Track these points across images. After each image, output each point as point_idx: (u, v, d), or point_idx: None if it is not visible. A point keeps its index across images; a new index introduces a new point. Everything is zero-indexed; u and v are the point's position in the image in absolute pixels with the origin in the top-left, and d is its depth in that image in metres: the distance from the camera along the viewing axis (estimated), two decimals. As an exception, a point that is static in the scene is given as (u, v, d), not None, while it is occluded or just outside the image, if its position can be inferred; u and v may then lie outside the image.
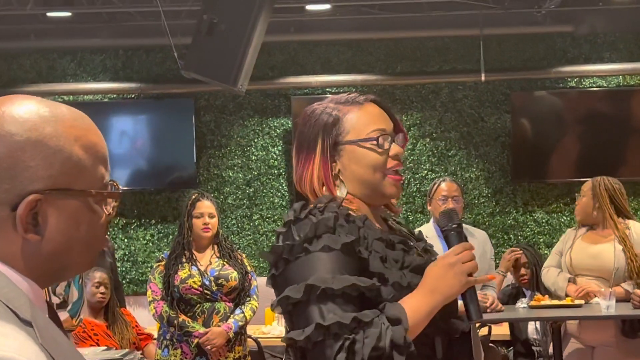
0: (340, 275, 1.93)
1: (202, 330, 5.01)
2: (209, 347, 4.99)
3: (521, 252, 6.47)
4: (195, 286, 5.05)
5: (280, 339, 6.52)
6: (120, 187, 1.41)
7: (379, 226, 2.14)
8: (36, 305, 1.23)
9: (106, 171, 1.34)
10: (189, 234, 5.18)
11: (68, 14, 8.02)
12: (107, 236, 1.38)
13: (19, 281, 1.23)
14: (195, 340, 5.00)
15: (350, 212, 2.05)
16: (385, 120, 2.17)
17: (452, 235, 2.11)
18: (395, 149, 2.15)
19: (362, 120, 2.14)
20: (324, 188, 2.12)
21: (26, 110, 1.28)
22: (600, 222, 5.23)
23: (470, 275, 2.03)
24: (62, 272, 1.31)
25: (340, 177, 2.12)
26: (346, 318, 1.88)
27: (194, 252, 5.19)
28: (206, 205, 5.21)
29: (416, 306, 1.95)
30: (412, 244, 2.15)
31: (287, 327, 2.06)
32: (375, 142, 2.12)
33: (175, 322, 5.01)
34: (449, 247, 2.09)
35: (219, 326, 5.04)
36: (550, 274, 5.38)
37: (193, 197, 5.26)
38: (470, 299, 2.06)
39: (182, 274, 5.08)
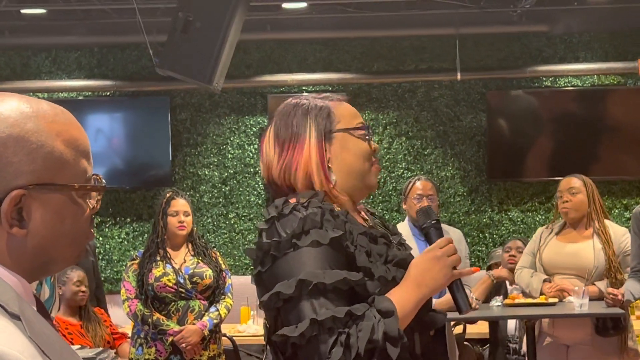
0: (329, 269, 1.93)
1: (176, 328, 5.00)
2: (183, 345, 4.97)
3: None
4: (170, 284, 5.04)
5: (255, 337, 6.51)
6: (104, 180, 1.42)
7: (360, 220, 2.15)
8: (24, 299, 1.24)
9: (89, 165, 1.37)
10: (163, 232, 5.16)
11: (43, 11, 7.97)
12: (92, 230, 1.38)
13: (6, 276, 1.25)
14: (170, 339, 4.98)
15: (333, 206, 2.05)
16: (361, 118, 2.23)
17: (432, 231, 2.14)
18: (374, 145, 2.19)
19: (347, 112, 2.19)
20: (318, 176, 2.10)
21: (7, 107, 1.29)
22: (586, 220, 5.23)
23: (454, 268, 2.05)
24: (49, 266, 1.32)
25: (330, 166, 2.12)
26: (340, 312, 1.88)
27: (169, 250, 5.18)
28: (181, 204, 5.20)
29: (404, 299, 1.96)
30: (391, 237, 2.16)
31: (267, 324, 2.05)
32: (364, 132, 2.16)
33: (150, 320, 5.00)
34: (430, 243, 2.11)
35: (193, 324, 5.03)
36: (523, 275, 5.39)
37: (168, 195, 5.25)
38: (457, 291, 2.09)
39: (156, 272, 5.06)
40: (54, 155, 1.29)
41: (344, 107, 2.19)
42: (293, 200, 2.06)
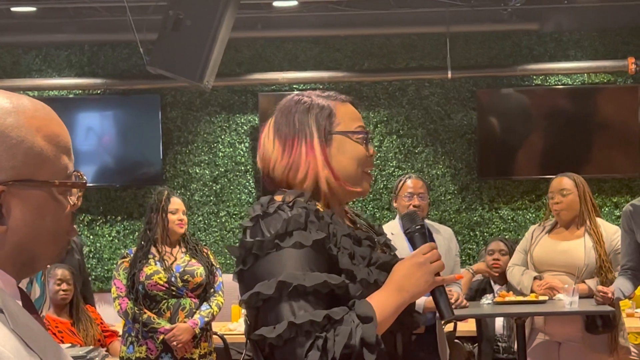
0: (310, 272, 1.93)
1: (167, 326, 5.00)
2: (174, 343, 4.97)
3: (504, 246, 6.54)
4: (161, 282, 5.04)
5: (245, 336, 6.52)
6: (85, 177, 1.41)
7: (345, 222, 2.15)
8: (7, 292, 1.23)
9: (70, 161, 1.35)
10: (163, 229, 5.15)
11: (33, 8, 7.95)
12: (74, 226, 1.37)
13: None
14: (161, 337, 4.98)
15: (318, 207, 2.05)
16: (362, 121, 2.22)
17: (417, 236, 2.13)
18: (371, 149, 2.18)
19: (349, 114, 2.17)
20: (322, 173, 2.09)
21: None
22: (578, 219, 5.24)
23: (437, 274, 2.05)
24: (31, 263, 1.31)
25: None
26: (318, 316, 1.88)
27: (162, 247, 5.16)
28: (178, 202, 5.24)
29: (384, 304, 1.95)
30: (376, 239, 2.16)
31: (248, 321, 2.05)
32: (362, 137, 2.15)
33: (141, 318, 4.99)
34: (414, 247, 2.11)
35: (184, 322, 5.03)
36: (515, 273, 5.40)
37: (166, 193, 5.25)
38: (440, 298, 2.08)
39: (147, 270, 5.06)
40: (34, 150, 1.28)
41: (345, 109, 2.18)
42: (279, 198, 2.05)
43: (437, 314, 2.16)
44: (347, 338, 1.86)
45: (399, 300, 1.98)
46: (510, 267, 5.51)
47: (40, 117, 1.33)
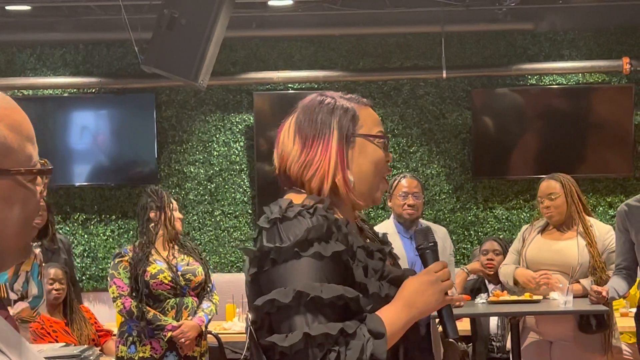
0: (327, 283, 1.92)
1: (175, 323, 5.01)
2: (182, 340, 4.98)
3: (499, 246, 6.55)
4: (166, 281, 5.05)
5: (240, 335, 6.51)
6: (50, 164, 1.39)
7: (358, 230, 2.14)
8: None
9: (34, 150, 1.33)
10: (166, 227, 5.16)
11: (27, 7, 7.94)
12: (40, 219, 1.34)
13: None
14: (168, 334, 4.98)
15: (336, 216, 2.03)
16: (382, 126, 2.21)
17: (429, 253, 2.14)
18: (389, 155, 2.18)
19: (371, 118, 2.17)
20: (334, 176, 2.07)
21: None
22: (569, 220, 5.25)
23: (446, 293, 2.06)
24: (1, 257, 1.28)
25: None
26: (333, 329, 1.88)
27: (161, 246, 5.17)
28: (174, 203, 5.28)
29: (393, 319, 1.96)
30: (386, 250, 2.15)
31: (251, 320, 2.03)
32: (383, 142, 2.15)
33: (146, 317, 4.99)
34: (425, 265, 2.11)
35: (189, 320, 5.06)
36: (503, 269, 5.42)
37: (163, 192, 5.29)
38: (447, 317, 2.10)
39: (151, 269, 5.06)
40: None
41: (368, 112, 2.17)
42: (297, 200, 2.03)
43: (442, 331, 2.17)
44: (359, 353, 1.87)
45: (409, 316, 1.99)
46: (502, 266, 5.53)
47: (2, 106, 1.31)
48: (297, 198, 2.06)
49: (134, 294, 5.05)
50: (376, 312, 1.96)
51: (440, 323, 2.12)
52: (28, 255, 1.40)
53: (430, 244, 2.15)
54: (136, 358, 5.06)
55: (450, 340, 6.59)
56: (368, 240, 2.15)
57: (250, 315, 2.05)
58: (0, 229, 1.26)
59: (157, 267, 5.08)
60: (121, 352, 5.13)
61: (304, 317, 1.89)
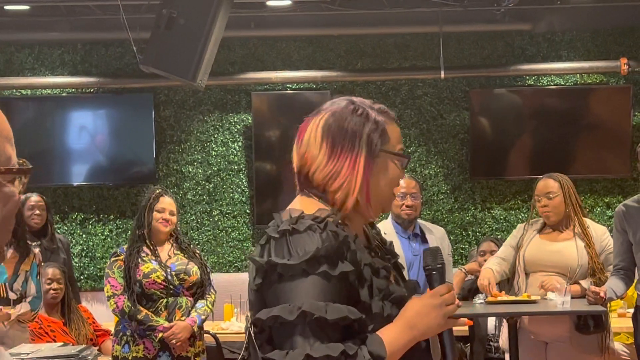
0: (332, 303, 1.91)
1: (166, 324, 5.00)
2: (173, 341, 4.97)
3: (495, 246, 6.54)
4: (159, 280, 5.04)
5: (238, 335, 6.51)
6: (29, 164, 1.39)
7: (365, 243, 2.13)
8: None
9: (12, 150, 1.32)
10: (148, 227, 5.15)
11: (26, 7, 7.94)
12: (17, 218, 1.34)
13: None
14: (160, 335, 4.97)
15: (346, 232, 2.01)
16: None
17: (435, 275, 2.13)
18: (404, 172, 2.17)
19: (395, 135, 2.14)
20: (359, 193, 2.05)
21: None
22: (566, 220, 5.24)
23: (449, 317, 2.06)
24: None
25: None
26: (335, 350, 1.87)
27: (153, 246, 5.16)
28: (168, 202, 5.22)
29: (394, 339, 1.96)
30: (390, 265, 2.15)
31: (250, 320, 2.03)
32: (403, 161, 2.14)
33: (138, 316, 4.99)
34: (431, 286, 2.11)
35: (182, 321, 5.04)
36: (486, 264, 5.42)
37: (157, 191, 5.25)
38: (447, 340, 2.11)
39: (144, 268, 5.05)
40: None
41: (394, 128, 2.14)
42: (309, 209, 2.02)
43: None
44: None
45: (409, 337, 1.99)
46: (490, 259, 5.52)
47: None
48: (308, 206, 2.05)
49: (129, 293, 5.05)
50: (377, 332, 1.96)
51: (440, 345, 2.12)
52: (3, 258, 1.39)
53: (438, 266, 2.13)
54: (130, 358, 5.05)
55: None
56: (373, 254, 2.13)
57: (250, 316, 2.04)
58: None
59: (151, 266, 5.07)
60: (116, 351, 5.13)
61: (306, 336, 1.89)
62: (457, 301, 2.10)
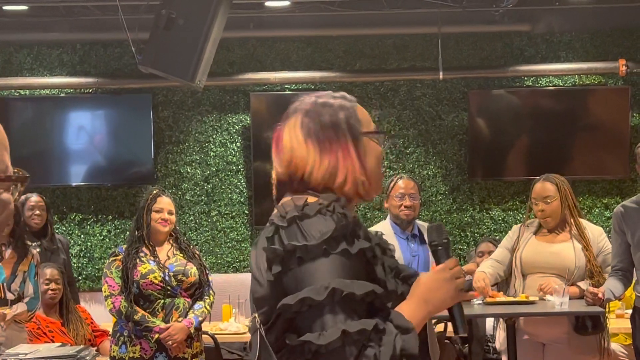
0: (356, 280, 1.92)
1: (162, 325, 4.99)
2: (170, 342, 4.97)
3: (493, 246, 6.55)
4: (156, 281, 5.03)
5: (236, 335, 6.51)
6: (26, 172, 1.40)
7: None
8: None
9: (8, 158, 1.34)
10: (147, 227, 5.14)
11: (25, 7, 7.94)
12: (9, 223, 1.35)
13: None
14: (156, 336, 4.97)
15: (355, 214, 2.04)
16: None
17: (441, 250, 2.14)
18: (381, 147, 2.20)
19: (365, 115, 2.17)
20: (362, 178, 2.08)
21: None
22: (563, 222, 5.23)
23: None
24: None
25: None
26: (368, 325, 1.88)
27: (152, 246, 5.16)
28: (166, 202, 5.21)
29: (411, 315, 1.97)
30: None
31: (259, 321, 2.00)
32: (380, 137, 2.16)
33: (135, 317, 4.98)
34: (438, 261, 2.12)
35: (179, 322, 5.03)
36: (480, 267, 5.42)
37: (154, 192, 5.24)
38: (457, 313, 2.11)
39: (141, 269, 5.04)
40: None
41: (361, 110, 2.17)
42: (311, 200, 2.02)
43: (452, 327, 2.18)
44: (392, 349, 1.87)
45: (425, 312, 2.00)
46: (484, 262, 5.52)
47: None
48: (302, 199, 2.04)
49: (126, 293, 5.04)
50: (395, 309, 1.97)
51: (450, 319, 2.13)
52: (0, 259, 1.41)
53: (444, 241, 2.15)
54: (126, 358, 5.05)
55: (446, 341, 6.61)
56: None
57: (259, 317, 2.02)
58: None
59: (148, 266, 5.06)
60: (113, 351, 5.13)
61: (337, 314, 1.88)
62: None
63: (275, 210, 2.06)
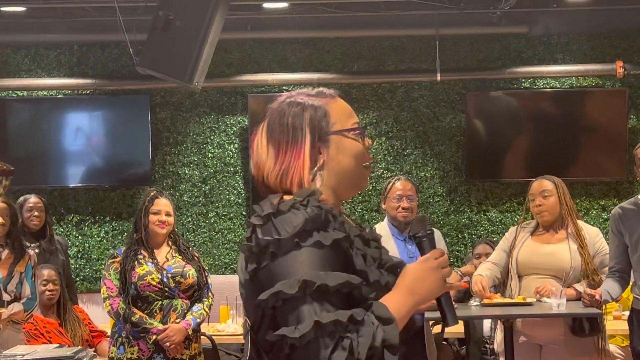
0: (331, 272, 1.90)
1: (160, 326, 4.98)
2: (167, 344, 4.96)
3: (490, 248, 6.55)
4: (154, 283, 5.02)
5: (234, 336, 6.51)
6: (10, 167, 1.42)
7: (349, 221, 2.14)
8: None
9: None
10: (145, 229, 5.14)
11: (22, 8, 7.94)
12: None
13: None
14: (153, 337, 4.96)
15: (330, 207, 2.01)
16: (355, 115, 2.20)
17: (425, 241, 2.12)
18: (367, 141, 2.16)
19: (342, 111, 2.15)
20: (307, 180, 2.07)
21: None
22: (560, 221, 5.24)
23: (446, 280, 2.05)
24: None
25: (323, 169, 2.09)
26: (343, 316, 1.85)
27: (150, 248, 5.15)
28: (164, 203, 5.19)
29: (397, 306, 1.94)
30: (379, 239, 2.15)
31: (249, 322, 2.02)
32: (358, 133, 2.13)
33: (132, 318, 4.98)
34: (422, 252, 2.10)
35: (176, 323, 5.02)
36: (477, 270, 5.41)
37: (152, 193, 5.23)
38: (446, 304, 2.08)
39: (139, 270, 5.04)
40: None
41: (339, 106, 2.15)
42: (287, 197, 2.01)
43: (424, 313, 2.15)
44: (371, 340, 1.85)
45: (412, 303, 1.97)
46: (481, 265, 5.52)
47: None
48: (278, 197, 2.04)
49: (124, 295, 5.04)
50: (379, 300, 1.95)
51: (439, 310, 2.11)
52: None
53: (427, 232, 2.13)
54: (124, 359, 5.05)
55: (444, 342, 6.61)
56: (360, 229, 2.13)
57: (249, 319, 2.02)
58: None
59: (146, 268, 5.06)
60: (111, 352, 5.13)
61: (312, 306, 1.86)
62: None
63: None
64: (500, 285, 5.46)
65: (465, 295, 6.44)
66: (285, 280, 1.89)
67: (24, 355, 4.58)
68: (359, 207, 8.41)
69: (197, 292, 5.17)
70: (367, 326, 1.87)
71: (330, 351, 1.83)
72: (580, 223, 5.27)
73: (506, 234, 5.49)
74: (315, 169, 2.07)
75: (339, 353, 1.83)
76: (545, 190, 5.20)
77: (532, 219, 5.36)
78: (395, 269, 2.05)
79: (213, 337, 6.27)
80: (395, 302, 1.95)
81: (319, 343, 1.84)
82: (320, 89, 2.19)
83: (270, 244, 1.93)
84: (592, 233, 5.23)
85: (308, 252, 1.92)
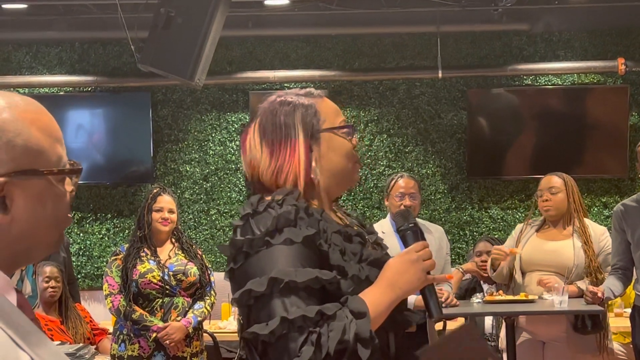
0: (302, 268, 1.93)
1: (160, 324, 4.99)
2: (167, 341, 4.96)
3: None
4: (155, 280, 5.03)
5: (236, 334, 6.50)
6: (80, 164, 1.45)
7: (335, 219, 2.15)
8: (3, 291, 1.27)
9: (63, 150, 1.40)
10: (147, 227, 5.14)
11: (24, 5, 7.93)
12: (69, 215, 1.42)
13: None
14: (154, 335, 4.97)
15: (307, 204, 2.05)
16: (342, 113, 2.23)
17: (409, 234, 2.14)
18: (355, 140, 2.20)
19: (331, 110, 2.19)
20: (305, 175, 2.10)
21: None
22: (566, 218, 5.24)
23: (428, 273, 2.05)
24: (31, 252, 1.36)
25: (315, 166, 2.12)
26: (310, 311, 1.88)
27: (153, 246, 5.15)
28: (166, 200, 5.20)
29: (377, 300, 1.96)
30: (367, 237, 2.17)
31: (241, 321, 2.05)
32: (347, 131, 2.17)
33: (133, 316, 4.98)
34: (406, 245, 2.11)
35: (177, 321, 5.03)
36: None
37: (154, 191, 5.24)
38: (429, 296, 2.08)
39: (141, 268, 5.04)
40: (32, 142, 1.34)
41: (327, 105, 2.19)
42: (268, 198, 2.05)
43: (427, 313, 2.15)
44: (341, 333, 1.86)
45: (392, 296, 1.99)
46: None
47: (32, 110, 1.39)
48: (258, 197, 2.09)
49: (125, 292, 5.04)
50: (359, 295, 1.96)
51: (423, 302, 2.11)
52: (58, 248, 1.47)
53: (410, 225, 2.14)
54: (125, 356, 5.05)
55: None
56: (345, 226, 2.15)
57: (240, 319, 2.06)
58: (34, 225, 1.34)
59: (148, 266, 5.06)
60: (113, 349, 5.14)
61: (281, 303, 1.90)
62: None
63: None
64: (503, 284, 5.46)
65: (467, 292, 6.44)
66: (256, 279, 1.93)
67: (26, 352, 4.57)
68: (360, 204, 8.41)
69: (199, 290, 5.17)
70: (338, 320, 1.89)
71: (300, 346, 1.86)
72: (587, 221, 5.27)
73: (512, 232, 5.51)
74: (315, 166, 2.11)
75: (308, 348, 1.85)
76: (554, 187, 5.21)
77: (540, 215, 5.37)
78: (379, 262, 2.06)
79: (215, 334, 6.28)
80: (374, 296, 1.97)
81: (288, 338, 1.87)
82: (308, 89, 2.23)
83: (244, 244, 1.99)
84: (598, 231, 5.23)
85: (278, 250, 1.96)
